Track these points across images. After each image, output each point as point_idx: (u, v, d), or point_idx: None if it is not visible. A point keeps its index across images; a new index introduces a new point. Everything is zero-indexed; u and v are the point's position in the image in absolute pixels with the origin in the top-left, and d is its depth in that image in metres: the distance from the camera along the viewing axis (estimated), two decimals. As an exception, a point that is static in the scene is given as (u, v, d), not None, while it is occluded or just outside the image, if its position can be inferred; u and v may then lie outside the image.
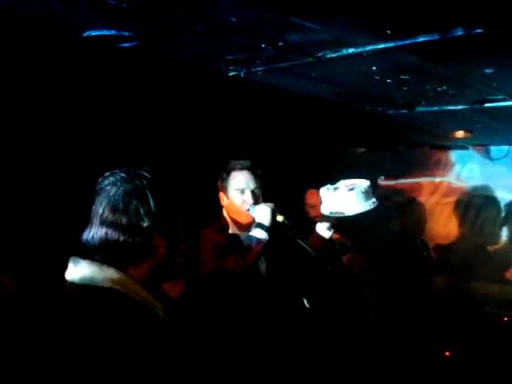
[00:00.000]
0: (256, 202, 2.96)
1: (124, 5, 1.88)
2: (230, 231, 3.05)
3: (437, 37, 1.98)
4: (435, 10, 1.77)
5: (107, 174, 1.66)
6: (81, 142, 3.24)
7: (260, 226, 2.83)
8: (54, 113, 3.09)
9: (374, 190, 4.02)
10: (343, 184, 3.44)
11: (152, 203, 1.60)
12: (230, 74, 2.82)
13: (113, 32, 2.26)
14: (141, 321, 1.51)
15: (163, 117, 3.54)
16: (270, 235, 2.85)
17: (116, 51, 2.45)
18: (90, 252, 1.60)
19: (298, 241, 2.88)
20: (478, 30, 1.87)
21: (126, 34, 2.27)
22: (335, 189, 3.44)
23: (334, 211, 3.38)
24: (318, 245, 3.13)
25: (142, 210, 1.58)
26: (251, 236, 2.83)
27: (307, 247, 2.90)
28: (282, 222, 2.88)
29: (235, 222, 3.05)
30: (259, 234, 2.83)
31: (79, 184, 2.88)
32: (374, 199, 3.47)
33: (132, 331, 1.46)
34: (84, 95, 3.01)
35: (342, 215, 3.38)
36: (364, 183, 3.48)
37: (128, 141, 3.44)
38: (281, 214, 2.89)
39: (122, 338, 1.43)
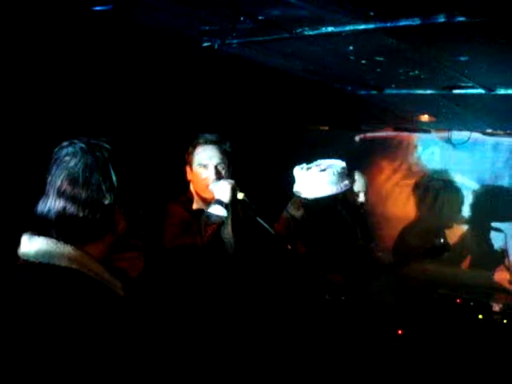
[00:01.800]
0: (219, 178, 2.91)
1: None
2: (195, 206, 3.00)
3: (418, 22, 1.98)
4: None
5: (65, 143, 1.55)
6: (39, 104, 3.10)
7: (219, 202, 2.80)
8: (21, 73, 2.97)
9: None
10: (317, 164, 3.44)
11: (114, 178, 1.51)
12: (204, 45, 2.77)
13: (87, -7, 2.20)
14: (99, 301, 1.44)
15: (132, 83, 3.45)
16: (229, 212, 2.83)
17: (89, 14, 2.38)
18: (44, 225, 1.51)
19: (258, 219, 2.85)
20: (461, 18, 1.87)
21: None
22: (308, 169, 3.45)
23: (304, 191, 3.41)
24: (284, 222, 3.14)
25: (103, 186, 1.49)
26: (209, 212, 2.80)
27: (266, 225, 2.87)
28: (242, 200, 2.85)
29: (200, 197, 3.00)
30: (217, 210, 2.79)
31: (32, 150, 2.79)
32: (346, 181, 3.50)
33: (90, 312, 1.39)
34: (53, 56, 2.91)
35: (313, 196, 3.41)
36: (339, 164, 3.49)
37: (92, 107, 3.33)
38: (241, 192, 2.86)
39: (81, 319, 1.35)
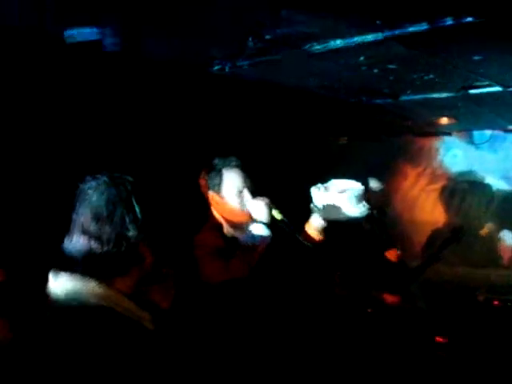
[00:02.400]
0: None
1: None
2: (226, 232, 2.98)
3: (427, 27, 1.96)
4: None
5: (88, 177, 1.58)
6: (61, 144, 3.14)
7: (259, 223, 2.79)
8: (36, 114, 3.01)
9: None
10: (334, 184, 3.39)
11: (137, 210, 1.52)
12: (215, 69, 2.78)
13: (94, 31, 2.22)
14: (127, 336, 1.44)
15: (146, 116, 3.48)
16: (270, 232, 2.81)
17: (98, 50, 2.41)
18: (70, 262, 1.51)
19: (296, 235, 2.84)
20: (469, 19, 1.85)
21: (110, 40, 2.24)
22: (326, 189, 3.40)
23: (323, 213, 3.36)
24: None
25: (127, 219, 1.50)
26: (253, 234, 2.77)
27: (303, 241, 2.86)
28: (281, 220, 2.83)
29: (229, 222, 2.97)
30: (261, 231, 2.77)
31: (55, 186, 2.81)
32: (365, 203, 3.45)
33: (119, 349, 1.39)
34: (68, 97, 2.95)
35: (332, 218, 3.35)
36: (356, 186, 3.43)
37: (110, 142, 3.36)
38: (276, 209, 2.85)
39: (109, 355, 1.36)
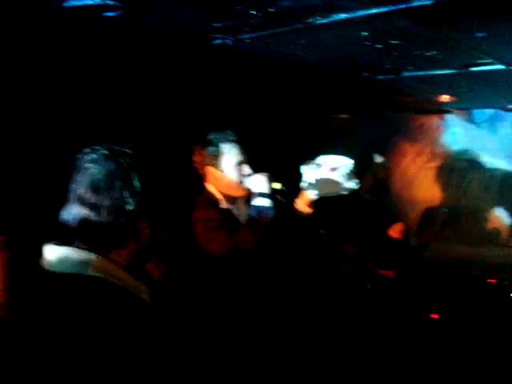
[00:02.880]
0: (249, 174, 2.94)
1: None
2: (224, 206, 2.99)
3: (431, 1, 1.95)
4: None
5: (87, 149, 1.54)
6: (60, 114, 3.12)
7: (261, 195, 2.82)
8: (34, 83, 3.00)
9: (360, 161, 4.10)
10: (325, 161, 3.45)
11: (137, 184, 1.50)
12: (217, 42, 2.77)
13: (97, 1, 2.20)
14: (125, 308, 1.44)
15: (146, 87, 3.46)
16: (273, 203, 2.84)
17: (100, 20, 2.39)
18: (68, 234, 1.49)
19: (295, 207, 2.90)
20: (474, -7, 1.84)
21: (111, 2, 2.22)
22: (317, 166, 3.46)
23: (315, 190, 3.44)
24: None
25: (126, 192, 1.48)
26: (257, 206, 2.80)
27: (300, 213, 2.91)
28: (281, 189, 2.89)
29: (226, 197, 2.98)
30: (264, 202, 2.81)
31: (52, 157, 2.80)
32: (357, 180, 3.52)
33: (117, 320, 1.39)
34: (66, 65, 2.93)
35: (323, 195, 3.45)
36: (348, 163, 3.50)
37: (110, 112, 3.35)
38: (277, 182, 2.90)
39: (108, 328, 1.36)
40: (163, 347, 1.49)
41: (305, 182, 3.48)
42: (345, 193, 3.45)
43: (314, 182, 3.42)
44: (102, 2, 2.21)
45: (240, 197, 3.00)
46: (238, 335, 2.69)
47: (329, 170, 3.41)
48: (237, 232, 2.77)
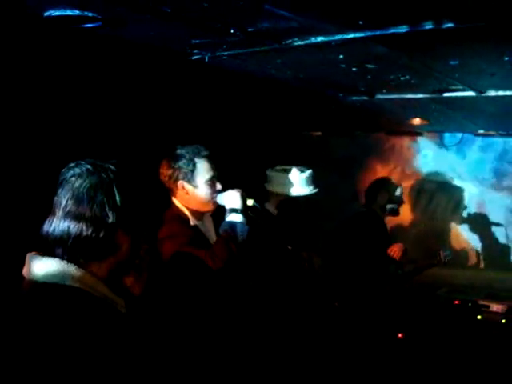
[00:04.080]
0: (221, 190, 2.94)
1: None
2: (192, 223, 2.96)
3: (407, 29, 1.99)
4: (407, 3, 1.78)
5: (72, 164, 1.58)
6: (37, 127, 3.09)
7: (234, 210, 2.81)
8: (13, 95, 2.96)
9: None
10: (289, 167, 3.79)
11: (118, 198, 1.53)
12: (194, 58, 2.78)
13: (76, 12, 2.20)
14: (101, 318, 1.46)
15: (123, 99, 3.45)
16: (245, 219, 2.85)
17: (79, 31, 2.38)
18: (49, 245, 1.52)
19: (267, 223, 2.92)
20: (449, 25, 1.89)
21: (90, 14, 2.21)
22: (283, 170, 3.75)
23: (281, 191, 3.79)
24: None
25: (107, 205, 1.51)
26: (231, 222, 2.79)
27: (274, 229, 2.95)
28: (253, 206, 2.90)
29: (194, 213, 2.97)
30: (238, 218, 2.80)
31: (35, 171, 2.77)
32: (314, 186, 3.93)
33: (92, 330, 1.40)
34: (43, 75, 2.90)
35: (289, 195, 3.78)
36: (307, 169, 3.92)
37: (87, 126, 3.32)
38: (249, 198, 2.91)
39: (83, 337, 1.37)
40: (137, 360, 1.50)
41: (272, 183, 3.77)
42: (306, 194, 3.84)
43: (281, 183, 3.69)
44: (81, 14, 2.20)
45: (206, 213, 3.00)
46: (211, 349, 2.69)
47: (293, 175, 3.75)
48: (210, 248, 2.76)
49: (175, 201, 2.98)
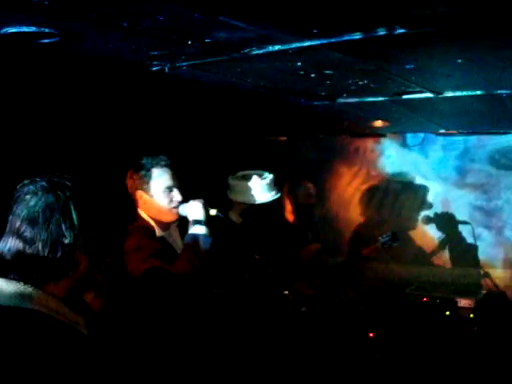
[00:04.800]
0: (182, 200, 2.92)
1: (45, 2, 1.82)
2: (158, 233, 2.96)
3: (360, 36, 2.03)
4: (360, 10, 1.82)
5: (26, 181, 1.55)
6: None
7: (198, 222, 2.79)
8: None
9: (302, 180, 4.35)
10: (248, 173, 3.74)
11: (75, 217, 1.50)
12: (154, 69, 2.78)
13: (32, 29, 2.19)
14: (61, 341, 1.42)
15: (83, 113, 3.43)
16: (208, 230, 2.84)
17: (35, 47, 2.37)
18: (4, 266, 1.49)
19: (232, 233, 2.91)
20: (401, 30, 1.93)
21: (47, 30, 2.20)
22: (246, 177, 3.71)
23: (243, 199, 3.75)
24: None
25: (63, 225, 1.48)
26: (195, 234, 2.77)
27: (239, 239, 2.94)
28: (216, 215, 2.89)
29: (158, 223, 2.96)
30: (201, 230, 2.78)
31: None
32: (276, 190, 3.88)
33: (52, 353, 1.37)
34: (3, 93, 2.88)
35: (250, 203, 3.63)
36: (268, 174, 3.88)
37: (46, 139, 3.29)
38: (212, 208, 2.89)
39: (42, 360, 1.34)
40: (100, 381, 1.48)
41: (235, 191, 3.72)
42: (274, 199, 3.84)
43: (243, 191, 3.65)
44: (38, 30, 2.19)
45: (172, 223, 2.98)
46: (175, 365, 2.68)
47: (254, 182, 3.63)
48: (174, 261, 2.74)
49: (141, 212, 2.98)
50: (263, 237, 3.95)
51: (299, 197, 4.58)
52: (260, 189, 3.77)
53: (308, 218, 4.63)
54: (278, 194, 3.90)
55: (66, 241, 1.49)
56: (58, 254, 1.48)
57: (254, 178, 3.77)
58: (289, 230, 4.44)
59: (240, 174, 3.87)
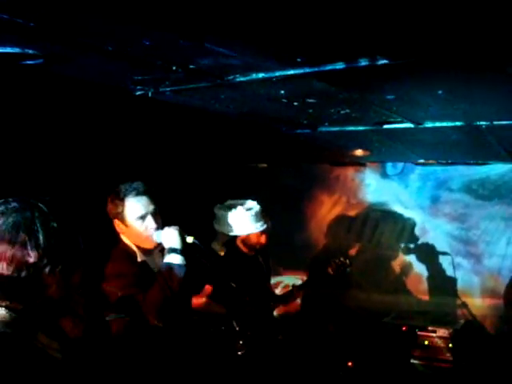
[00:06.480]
0: (158, 226, 2.90)
1: (31, 24, 1.82)
2: (140, 259, 2.94)
3: (343, 66, 2.06)
4: (342, 41, 1.85)
5: None
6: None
7: (173, 250, 2.75)
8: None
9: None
10: (234, 204, 3.71)
11: (41, 237, 1.48)
12: (137, 94, 2.79)
13: (16, 50, 2.19)
14: (33, 365, 1.39)
15: (65, 135, 3.42)
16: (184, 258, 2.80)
17: (19, 68, 2.37)
18: None
19: (208, 260, 2.89)
20: (383, 61, 1.96)
21: (31, 51, 2.20)
22: (232, 207, 3.68)
23: (227, 230, 3.69)
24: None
25: (28, 244, 1.47)
26: (169, 263, 2.73)
27: (216, 266, 2.92)
28: (193, 243, 2.85)
29: (141, 249, 2.94)
30: (176, 259, 2.74)
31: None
32: (263, 222, 3.78)
33: (24, 377, 1.35)
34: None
35: (235, 234, 3.63)
36: (256, 205, 3.76)
37: (28, 161, 3.27)
38: (189, 235, 2.86)
39: None
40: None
41: (216, 222, 3.69)
42: (259, 230, 3.81)
43: (231, 221, 3.61)
44: (22, 51, 2.19)
45: (154, 248, 2.96)
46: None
47: (245, 210, 3.62)
48: (149, 291, 2.70)
49: (122, 236, 2.96)
50: (239, 266, 3.91)
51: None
52: (245, 220, 3.74)
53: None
54: (264, 226, 3.86)
55: (31, 260, 1.47)
56: (23, 274, 1.46)
57: (240, 208, 3.74)
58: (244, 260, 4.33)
59: (227, 203, 3.83)
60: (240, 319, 3.67)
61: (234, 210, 3.75)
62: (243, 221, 3.75)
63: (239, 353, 3.54)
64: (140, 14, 1.65)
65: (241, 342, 3.58)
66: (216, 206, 3.86)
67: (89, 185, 3.50)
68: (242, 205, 3.79)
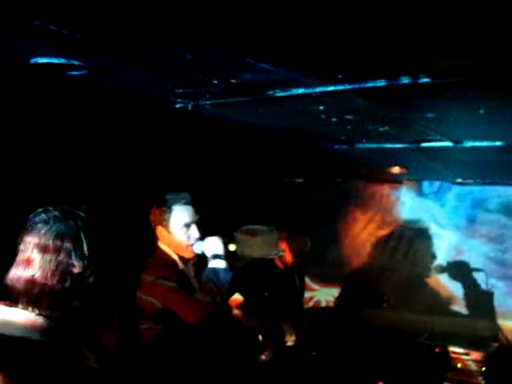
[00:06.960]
0: (200, 237, 2.96)
1: (77, 36, 1.87)
2: (180, 267, 2.99)
3: (384, 83, 2.05)
4: (385, 58, 1.85)
5: (39, 210, 1.54)
6: (20, 172, 3.09)
7: (217, 256, 2.84)
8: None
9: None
10: (254, 229, 3.76)
11: (85, 246, 1.48)
12: (177, 106, 2.82)
13: (62, 60, 2.24)
14: (71, 376, 1.39)
15: (107, 146, 3.48)
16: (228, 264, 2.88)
17: (64, 78, 2.42)
18: (16, 295, 1.46)
19: (249, 268, 2.94)
20: (425, 80, 1.95)
21: (76, 63, 2.25)
22: (253, 232, 3.74)
23: (248, 253, 3.65)
24: None
25: (73, 254, 1.46)
26: (215, 268, 2.81)
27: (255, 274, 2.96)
28: (235, 251, 2.92)
29: (179, 257, 3.00)
30: (221, 264, 2.84)
31: (8, 218, 2.76)
32: (279, 247, 3.93)
33: None
34: (28, 121, 2.93)
35: (254, 257, 3.65)
36: (275, 232, 3.89)
37: (66, 171, 3.33)
38: (231, 243, 2.93)
39: None
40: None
41: (240, 246, 3.73)
42: (271, 257, 3.85)
43: (252, 245, 3.65)
44: (67, 62, 2.24)
45: (190, 259, 3.01)
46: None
47: (267, 235, 3.64)
48: (194, 297, 2.76)
49: (162, 245, 3.02)
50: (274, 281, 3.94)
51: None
52: (265, 245, 3.77)
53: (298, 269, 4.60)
54: (281, 252, 3.98)
55: (76, 270, 1.48)
56: (67, 284, 1.47)
57: (260, 233, 3.78)
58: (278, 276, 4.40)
59: (246, 228, 3.88)
60: (267, 332, 3.68)
61: (255, 235, 3.79)
62: (264, 245, 3.78)
63: (261, 363, 3.53)
64: (183, 29, 1.67)
65: (264, 354, 3.57)
66: (237, 231, 3.91)
67: (126, 195, 3.55)
68: (262, 229, 3.85)
